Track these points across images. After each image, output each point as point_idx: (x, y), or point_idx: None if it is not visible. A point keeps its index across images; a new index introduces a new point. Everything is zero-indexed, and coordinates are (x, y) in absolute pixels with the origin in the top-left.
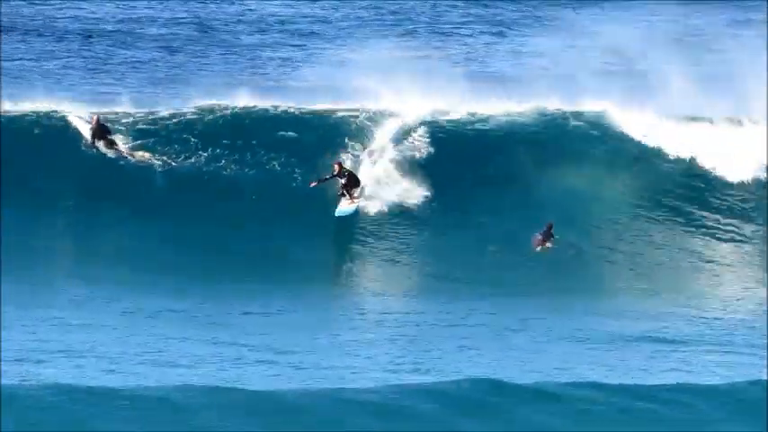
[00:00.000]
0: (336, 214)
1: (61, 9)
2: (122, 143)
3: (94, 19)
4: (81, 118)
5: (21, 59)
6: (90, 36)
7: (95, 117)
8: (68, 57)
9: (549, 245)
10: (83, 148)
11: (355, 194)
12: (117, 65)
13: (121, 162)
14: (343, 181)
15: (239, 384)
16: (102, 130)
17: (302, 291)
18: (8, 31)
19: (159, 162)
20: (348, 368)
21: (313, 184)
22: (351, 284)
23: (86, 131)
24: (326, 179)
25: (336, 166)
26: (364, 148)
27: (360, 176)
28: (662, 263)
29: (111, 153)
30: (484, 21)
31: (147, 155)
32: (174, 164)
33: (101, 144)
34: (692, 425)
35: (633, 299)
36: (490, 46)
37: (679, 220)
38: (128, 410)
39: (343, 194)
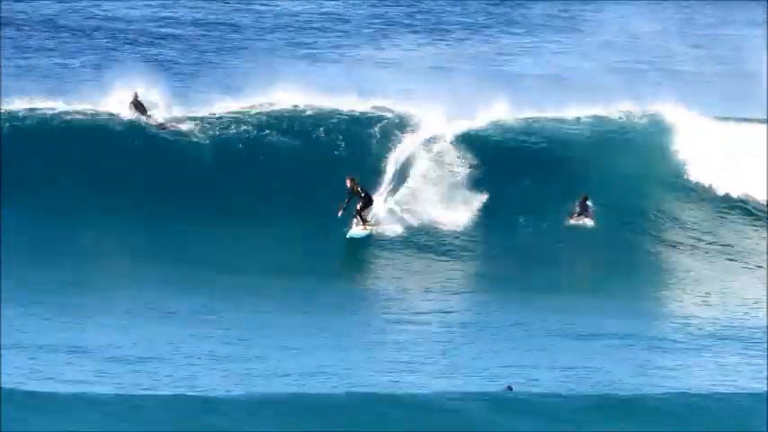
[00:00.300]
0: (348, 236)
1: (86, 8)
2: (160, 117)
3: (116, 18)
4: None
5: (47, 58)
6: (114, 35)
7: (134, 93)
8: (93, 55)
9: (586, 219)
10: (122, 118)
11: (368, 218)
12: (143, 62)
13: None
14: (359, 204)
15: (273, 388)
16: (139, 106)
17: (328, 290)
18: (35, 30)
19: (200, 129)
20: (381, 370)
21: (340, 213)
22: (380, 286)
23: (125, 107)
24: (348, 202)
25: (349, 182)
26: (392, 153)
27: (385, 183)
28: (696, 262)
29: (150, 122)
30: (510, 21)
31: (186, 126)
32: (216, 132)
33: (142, 119)
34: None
35: (666, 300)
36: (519, 46)
37: (716, 220)
38: (145, 414)
39: (355, 215)
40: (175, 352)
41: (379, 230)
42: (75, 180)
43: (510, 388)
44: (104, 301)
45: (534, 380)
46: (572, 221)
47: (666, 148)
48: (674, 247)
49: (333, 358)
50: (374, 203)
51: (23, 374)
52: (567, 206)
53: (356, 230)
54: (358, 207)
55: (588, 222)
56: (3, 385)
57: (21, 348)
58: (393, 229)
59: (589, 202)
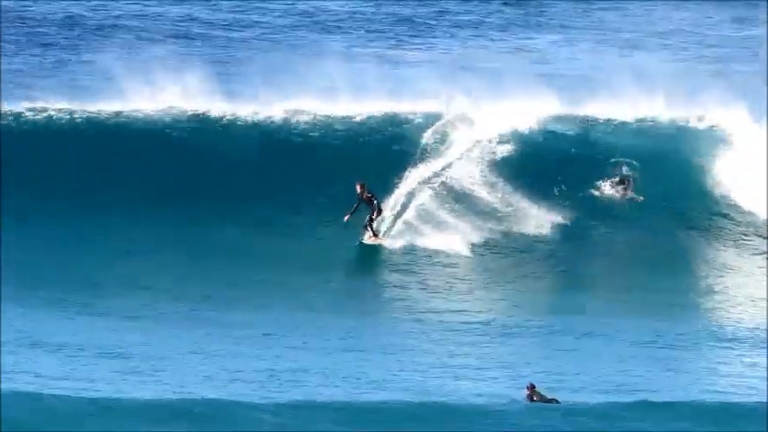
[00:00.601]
0: (357, 243)
1: (102, 6)
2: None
3: (137, 16)
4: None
5: (66, 55)
6: (137, 33)
7: None
8: (111, 53)
9: (629, 192)
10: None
11: (378, 230)
12: (163, 60)
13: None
14: (372, 215)
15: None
16: None
17: (350, 291)
18: (67, 29)
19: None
20: (405, 371)
21: (346, 218)
22: (404, 286)
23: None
24: (356, 207)
25: (358, 187)
26: (424, 157)
27: (411, 186)
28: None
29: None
30: (531, 21)
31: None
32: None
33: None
34: None
35: (698, 300)
36: (550, 45)
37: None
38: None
39: (366, 227)
40: (193, 353)
41: (410, 241)
42: (85, 179)
43: (532, 386)
44: (121, 302)
45: (560, 381)
46: (617, 195)
47: (717, 148)
48: (718, 245)
49: (352, 359)
50: (383, 213)
51: (35, 374)
52: (611, 173)
53: (367, 241)
54: (367, 218)
55: (632, 195)
56: (3, 386)
57: (35, 348)
58: (423, 232)
59: (626, 170)
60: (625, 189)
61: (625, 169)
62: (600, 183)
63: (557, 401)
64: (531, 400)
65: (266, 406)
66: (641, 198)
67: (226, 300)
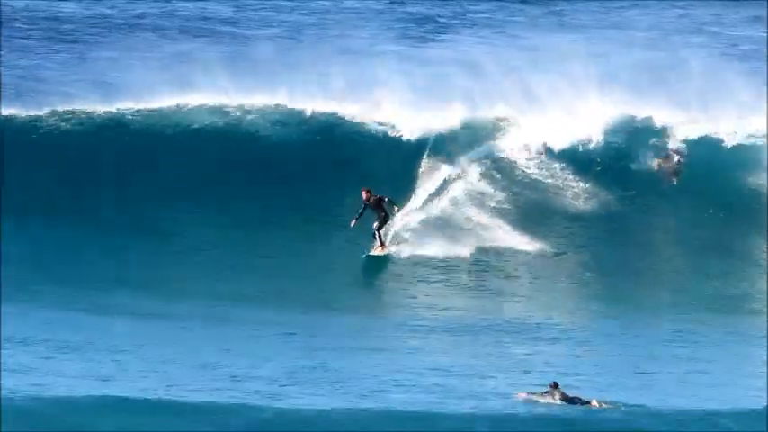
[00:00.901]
0: (364, 256)
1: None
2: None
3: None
4: None
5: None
6: (165, 35)
7: None
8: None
9: (681, 167)
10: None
11: (385, 239)
12: (184, 59)
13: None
14: (376, 222)
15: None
16: None
17: (372, 294)
18: (89, 26)
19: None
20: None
21: (353, 224)
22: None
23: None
24: (362, 213)
25: (364, 193)
26: (451, 154)
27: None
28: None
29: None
30: (552, 20)
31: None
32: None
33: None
34: None
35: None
36: (571, 44)
37: None
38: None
39: (374, 235)
40: (209, 352)
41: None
42: (103, 175)
43: (555, 385)
44: (133, 301)
45: (583, 381)
46: (666, 166)
47: (749, 145)
48: (750, 242)
49: (368, 359)
50: (389, 220)
51: (43, 374)
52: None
53: (375, 252)
54: (376, 224)
55: (681, 170)
56: (6, 385)
57: (44, 346)
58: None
59: (681, 147)
60: (679, 163)
61: (680, 145)
62: (652, 157)
63: (580, 399)
64: (558, 399)
65: (284, 407)
66: (675, 180)
67: (239, 299)
